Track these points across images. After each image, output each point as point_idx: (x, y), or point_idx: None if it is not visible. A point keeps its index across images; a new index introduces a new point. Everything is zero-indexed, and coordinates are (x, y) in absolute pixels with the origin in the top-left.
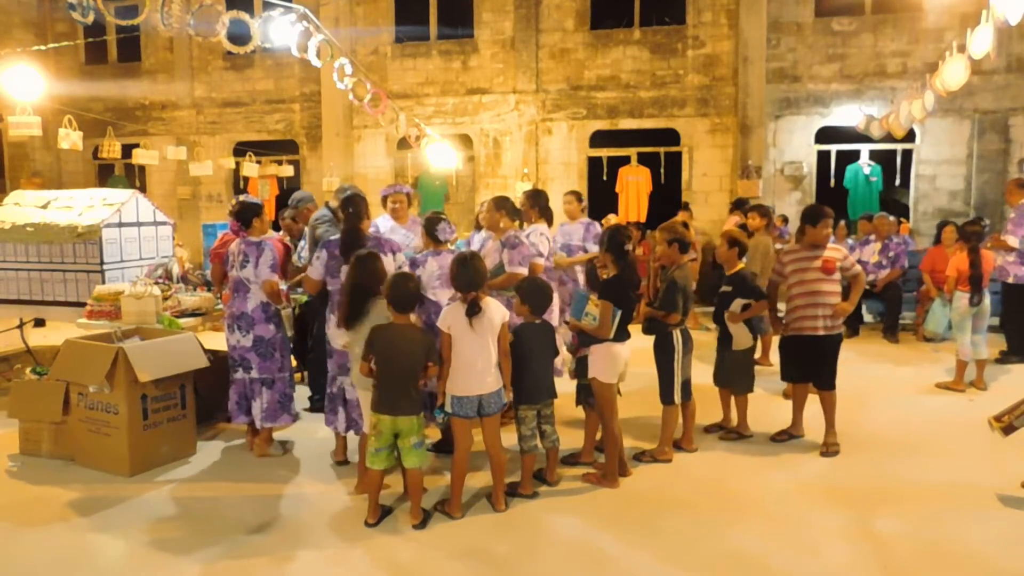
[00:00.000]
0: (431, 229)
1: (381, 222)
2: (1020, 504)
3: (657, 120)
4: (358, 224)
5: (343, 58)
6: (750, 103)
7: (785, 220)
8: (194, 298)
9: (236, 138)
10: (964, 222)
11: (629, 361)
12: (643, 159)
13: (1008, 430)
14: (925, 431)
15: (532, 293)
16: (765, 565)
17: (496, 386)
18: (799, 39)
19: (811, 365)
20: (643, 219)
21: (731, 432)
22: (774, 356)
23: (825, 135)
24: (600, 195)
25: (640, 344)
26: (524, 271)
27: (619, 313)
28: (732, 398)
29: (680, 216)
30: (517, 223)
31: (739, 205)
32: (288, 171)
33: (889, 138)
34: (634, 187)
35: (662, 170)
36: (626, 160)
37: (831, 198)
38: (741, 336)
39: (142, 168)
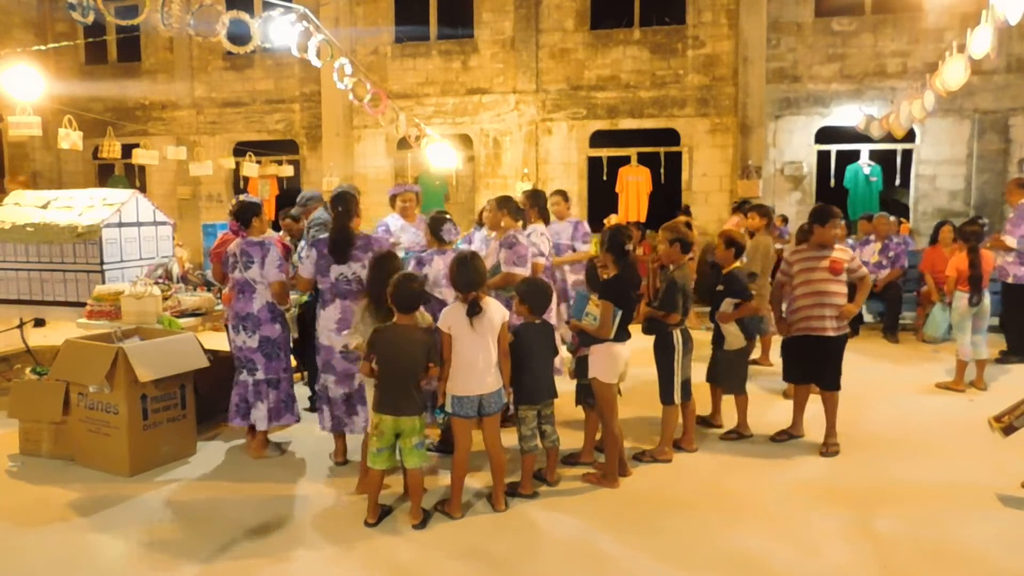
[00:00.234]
0: (436, 229)
1: (391, 221)
2: (1020, 504)
3: (657, 120)
4: (347, 223)
5: (343, 58)
6: (750, 103)
7: (785, 220)
8: (194, 298)
9: (236, 138)
10: (963, 222)
11: (629, 361)
12: (643, 159)
13: (1008, 430)
14: (925, 431)
15: (532, 293)
16: (765, 565)
17: (496, 386)
18: (799, 39)
19: (816, 365)
20: (643, 219)
21: (731, 432)
22: (776, 356)
23: (825, 135)
24: (600, 195)
25: (640, 344)
26: (519, 271)
27: (619, 313)
28: (722, 396)
29: (681, 218)
30: (520, 223)
31: (741, 206)
32: (288, 171)
33: (889, 138)
34: (634, 187)
35: (662, 170)
36: (626, 160)
37: (831, 198)
38: (732, 336)
39: (142, 168)
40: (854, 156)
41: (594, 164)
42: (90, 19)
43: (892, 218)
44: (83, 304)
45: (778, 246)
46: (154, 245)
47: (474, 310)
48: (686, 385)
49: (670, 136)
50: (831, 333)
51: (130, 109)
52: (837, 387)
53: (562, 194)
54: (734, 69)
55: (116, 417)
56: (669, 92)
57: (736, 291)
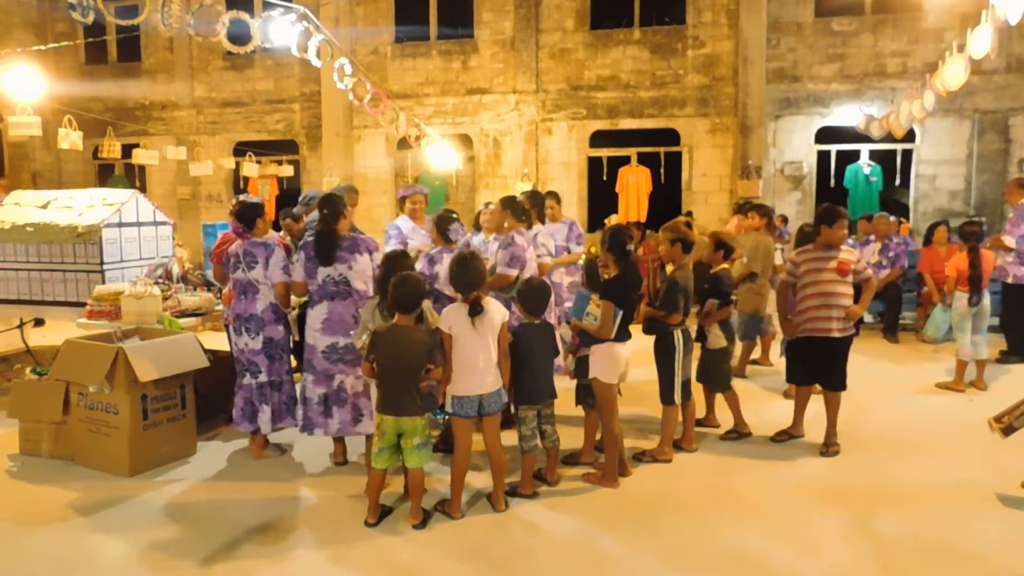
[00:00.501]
0: (444, 228)
1: (402, 223)
2: (1020, 504)
3: (657, 120)
4: (333, 225)
5: (343, 58)
6: (750, 103)
7: (785, 220)
8: (194, 298)
9: (236, 138)
10: (963, 222)
11: (630, 361)
12: (643, 159)
13: (1008, 431)
14: (925, 431)
15: (530, 293)
16: (765, 565)
17: (496, 386)
18: (799, 39)
19: (822, 366)
20: (643, 219)
21: (730, 432)
22: (775, 356)
23: (825, 135)
24: (600, 195)
25: (640, 344)
26: (512, 273)
27: (620, 313)
28: (714, 396)
29: (681, 218)
30: (525, 223)
31: (742, 207)
32: (288, 171)
33: (889, 138)
34: (634, 187)
35: (662, 170)
36: (626, 160)
37: (831, 198)
38: (714, 336)
39: (142, 168)
40: (854, 156)
41: (594, 164)
42: (90, 19)
43: (892, 218)
44: (83, 304)
45: (778, 246)
46: (154, 245)
47: (476, 310)
48: (686, 385)
49: (670, 136)
50: (837, 334)
51: (130, 109)
52: (843, 387)
53: (554, 196)
54: (734, 69)
55: (116, 417)
56: (669, 92)
57: (718, 293)
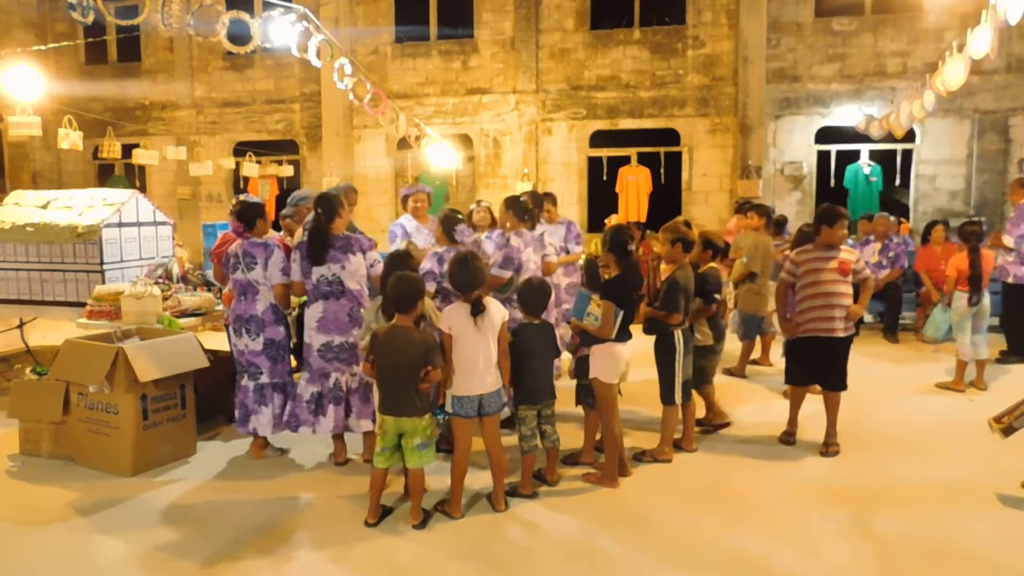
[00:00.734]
0: (449, 228)
1: (405, 223)
2: (1020, 504)
3: (657, 120)
4: (327, 225)
5: (343, 58)
6: (750, 103)
7: (784, 220)
8: (194, 298)
9: (236, 138)
10: (963, 222)
11: (630, 361)
12: (643, 159)
13: (1008, 431)
14: (925, 431)
15: (530, 293)
16: (765, 565)
17: (496, 385)
18: (799, 39)
19: (822, 366)
20: (643, 219)
21: (701, 420)
22: (776, 357)
23: (825, 135)
24: (600, 195)
25: (640, 344)
26: (505, 275)
27: (621, 313)
28: (713, 395)
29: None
30: (528, 224)
31: (742, 206)
32: (288, 171)
33: (889, 138)
34: (634, 187)
35: (662, 170)
36: (626, 160)
37: (831, 198)
38: (701, 334)
39: (142, 168)
40: (854, 156)
41: (594, 164)
42: (90, 19)
43: (892, 218)
44: (83, 304)
45: (777, 243)
46: (154, 245)
47: (478, 309)
48: (686, 385)
49: (670, 136)
50: (841, 334)
51: (130, 109)
52: (843, 387)
53: (551, 199)
54: (734, 69)
55: (116, 417)
56: (669, 92)
57: (703, 292)
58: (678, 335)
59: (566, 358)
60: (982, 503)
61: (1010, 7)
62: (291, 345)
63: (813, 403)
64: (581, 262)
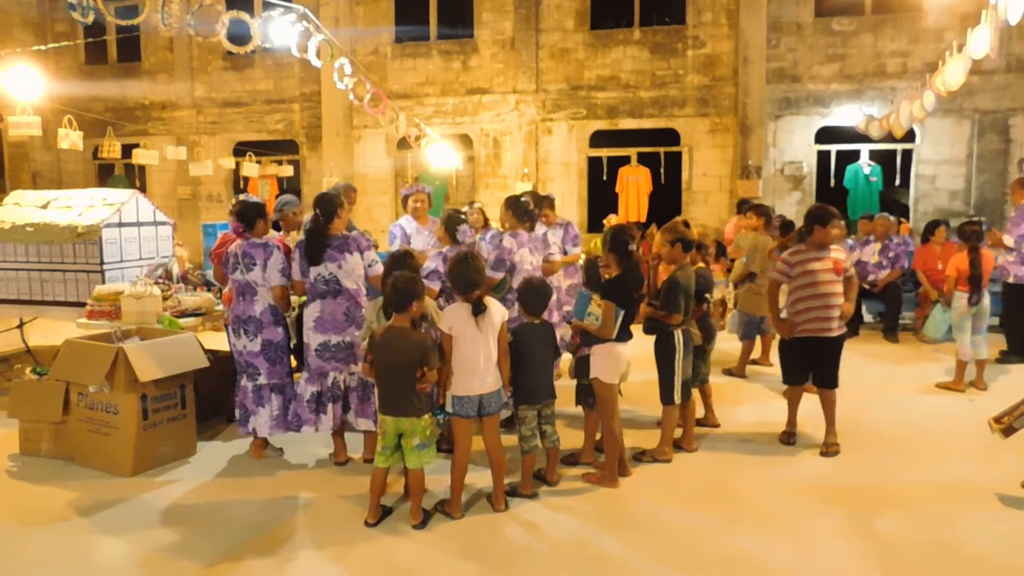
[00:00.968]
0: (452, 228)
1: (404, 223)
2: (1020, 504)
3: (657, 120)
4: (325, 225)
5: (343, 58)
6: (750, 103)
7: (791, 222)
8: (194, 298)
9: (236, 138)
10: (963, 222)
11: (630, 361)
12: (643, 159)
13: (1008, 431)
14: (925, 431)
15: (530, 293)
16: (765, 565)
17: (496, 385)
18: (799, 39)
19: (817, 365)
20: (643, 219)
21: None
22: (776, 357)
23: (825, 135)
24: (600, 195)
25: (639, 344)
26: (497, 276)
27: (622, 313)
28: (711, 395)
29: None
30: (527, 225)
31: (742, 206)
32: (288, 171)
33: (889, 138)
34: (634, 187)
35: (662, 170)
36: (626, 160)
37: (831, 198)
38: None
39: (142, 168)
40: (854, 156)
41: (594, 164)
42: (90, 19)
43: (892, 218)
44: (83, 304)
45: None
46: (154, 245)
47: (479, 309)
48: (686, 385)
49: (670, 136)
50: (836, 333)
51: (130, 109)
52: (836, 385)
53: (549, 202)
54: (734, 69)
55: (116, 417)
56: (669, 92)
57: (695, 292)
58: (678, 335)
59: (566, 358)
60: (982, 503)
61: (1010, 7)
62: (291, 346)
63: (812, 403)
64: (581, 262)
